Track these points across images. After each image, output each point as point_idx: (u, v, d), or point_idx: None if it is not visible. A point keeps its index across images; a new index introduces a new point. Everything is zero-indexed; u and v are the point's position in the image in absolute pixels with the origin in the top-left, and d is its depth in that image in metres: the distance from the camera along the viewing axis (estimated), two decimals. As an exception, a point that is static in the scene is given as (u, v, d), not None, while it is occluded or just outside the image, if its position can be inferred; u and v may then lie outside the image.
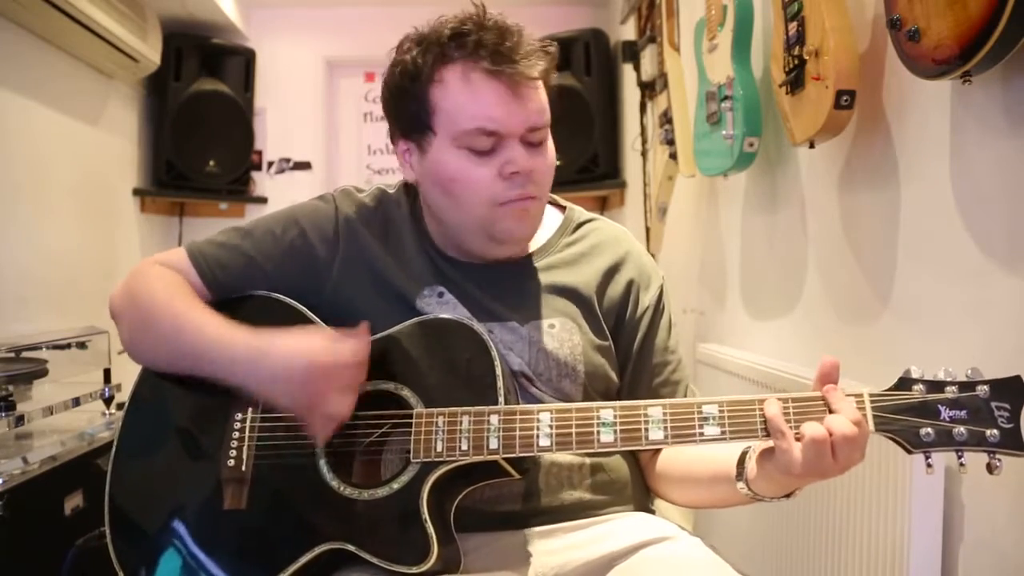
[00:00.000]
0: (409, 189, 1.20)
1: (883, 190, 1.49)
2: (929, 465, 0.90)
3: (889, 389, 0.91)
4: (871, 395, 0.91)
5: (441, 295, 1.12)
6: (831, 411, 0.91)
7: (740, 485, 0.99)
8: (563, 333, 1.12)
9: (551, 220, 1.22)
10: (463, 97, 1.04)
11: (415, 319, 1.08)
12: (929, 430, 0.88)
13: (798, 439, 0.89)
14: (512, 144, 1.05)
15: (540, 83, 1.06)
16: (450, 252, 1.16)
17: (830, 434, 0.88)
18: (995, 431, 0.86)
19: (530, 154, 1.07)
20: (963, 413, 0.88)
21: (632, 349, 1.17)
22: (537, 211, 1.12)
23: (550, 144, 1.11)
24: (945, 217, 1.30)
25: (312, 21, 4.17)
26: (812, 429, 0.88)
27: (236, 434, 1.07)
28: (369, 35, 4.12)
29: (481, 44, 1.02)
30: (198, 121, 3.71)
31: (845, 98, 1.45)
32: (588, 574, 1.05)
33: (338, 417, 0.99)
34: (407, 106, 1.08)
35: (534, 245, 1.19)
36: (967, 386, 0.89)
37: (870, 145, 1.54)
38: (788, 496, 0.99)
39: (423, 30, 1.08)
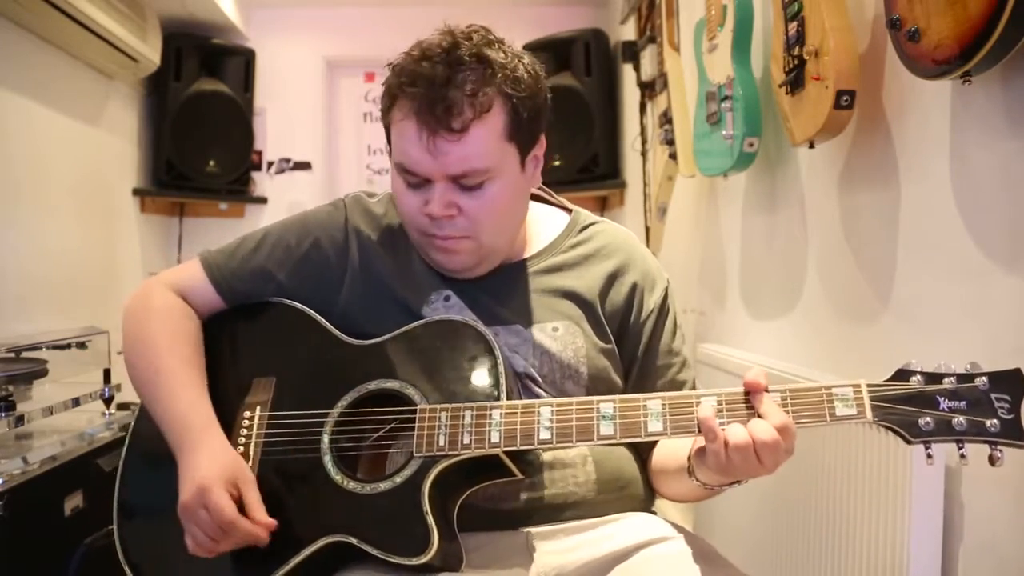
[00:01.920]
0: None
1: (883, 190, 1.49)
2: (929, 456, 0.90)
3: (887, 380, 0.92)
4: (869, 385, 0.92)
5: (448, 299, 1.14)
6: (757, 415, 0.91)
7: (693, 480, 1.01)
8: (566, 336, 1.13)
9: (557, 221, 1.23)
10: (396, 132, 1.07)
11: (420, 321, 1.10)
12: (928, 420, 0.88)
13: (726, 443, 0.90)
14: (436, 186, 1.06)
15: (469, 134, 1.03)
16: None
17: (753, 441, 0.89)
18: (995, 421, 0.86)
19: (462, 195, 1.06)
20: (962, 404, 0.88)
21: (638, 352, 1.18)
22: (468, 249, 1.10)
23: (493, 189, 1.07)
24: (945, 217, 1.30)
25: (312, 21, 4.17)
26: (735, 436, 0.89)
27: (244, 431, 1.09)
28: (369, 35, 4.13)
29: (416, 86, 1.03)
30: (198, 121, 3.71)
31: (845, 98, 1.45)
32: (589, 574, 1.06)
33: (190, 547, 1.00)
34: (386, 132, 1.13)
35: (538, 246, 1.20)
36: (966, 378, 0.89)
37: (870, 145, 1.54)
38: (738, 482, 1.00)
39: (407, 50, 1.09)
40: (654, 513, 1.17)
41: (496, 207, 1.08)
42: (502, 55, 1.06)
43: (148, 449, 1.13)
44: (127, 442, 1.15)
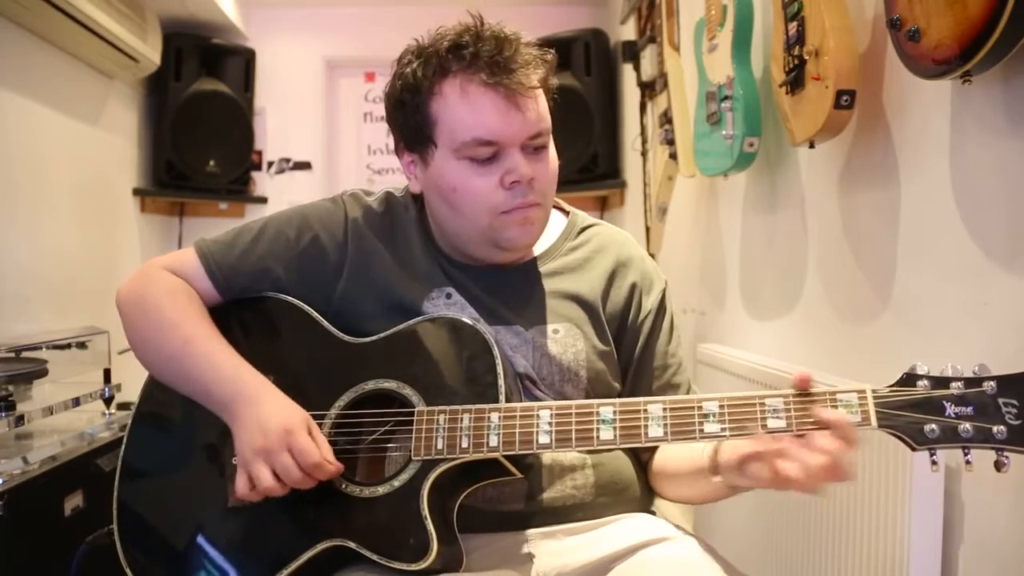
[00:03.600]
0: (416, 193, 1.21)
1: (883, 190, 1.49)
2: (934, 463, 0.89)
3: (893, 385, 0.90)
4: (874, 391, 0.90)
5: (449, 296, 1.13)
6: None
7: (716, 479, 1.00)
8: (567, 338, 1.12)
9: (555, 224, 1.22)
10: (462, 109, 1.05)
11: (418, 319, 1.09)
12: (934, 426, 0.87)
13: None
14: (512, 153, 1.06)
15: (539, 91, 1.07)
16: (456, 257, 1.16)
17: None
18: (1002, 427, 0.84)
19: (531, 161, 1.07)
20: (969, 409, 0.86)
21: (634, 354, 1.18)
22: (540, 217, 1.12)
23: (552, 150, 1.12)
24: (945, 217, 1.30)
25: (312, 21, 4.17)
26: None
27: None
28: (369, 35, 4.14)
29: (478, 56, 1.04)
30: (198, 121, 3.72)
31: (845, 98, 1.45)
32: (588, 574, 1.05)
33: (258, 488, 0.99)
34: (409, 119, 1.10)
35: (538, 249, 1.19)
36: (973, 382, 0.87)
37: (870, 145, 1.54)
38: None
39: (423, 42, 1.09)
40: (653, 513, 1.17)
41: (554, 171, 1.12)
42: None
43: (147, 446, 1.13)
44: (125, 439, 1.14)
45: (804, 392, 0.92)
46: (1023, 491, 1.14)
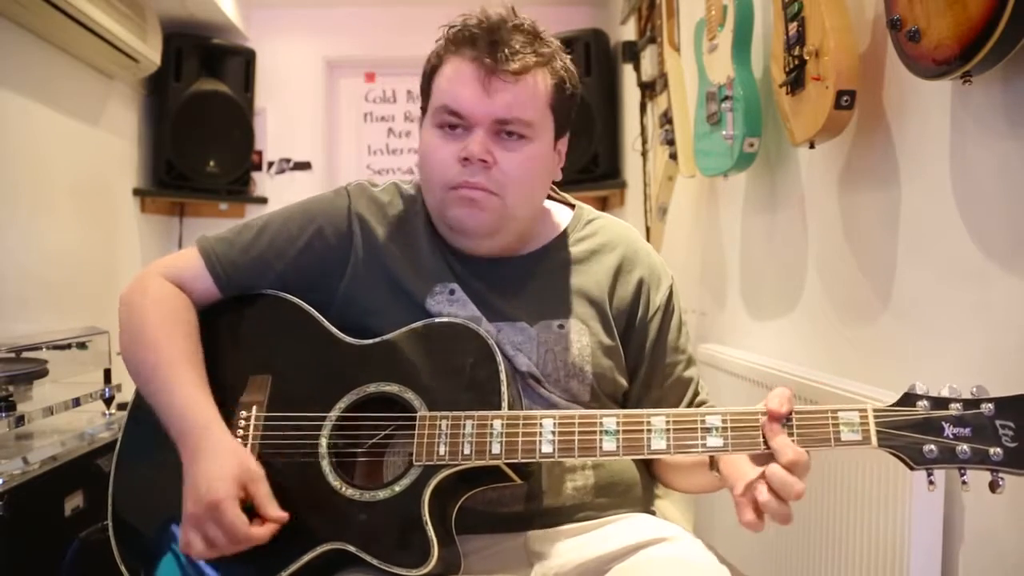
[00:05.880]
0: None
1: (883, 190, 1.49)
2: (931, 482, 0.89)
3: (893, 405, 0.90)
4: (875, 410, 0.90)
5: (452, 292, 1.12)
6: (767, 444, 0.91)
7: (714, 474, 1.02)
8: (572, 334, 1.12)
9: (560, 217, 1.22)
10: (445, 78, 1.10)
11: (421, 322, 1.08)
12: (932, 447, 0.87)
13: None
14: (477, 132, 1.07)
15: (523, 80, 1.07)
16: (461, 250, 1.15)
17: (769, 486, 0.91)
18: (999, 449, 0.85)
19: (497, 147, 1.07)
20: (967, 431, 0.87)
21: (644, 350, 1.17)
22: (491, 205, 1.08)
23: (532, 149, 1.09)
24: (945, 217, 1.30)
25: (312, 21, 4.17)
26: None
27: (240, 432, 1.07)
28: (369, 35, 4.14)
29: (473, 37, 1.08)
30: (198, 121, 3.71)
31: (845, 98, 1.45)
32: (587, 574, 1.05)
33: (192, 553, 0.98)
34: (423, 93, 1.16)
35: (544, 241, 1.19)
36: (972, 403, 0.88)
37: (870, 145, 1.54)
38: None
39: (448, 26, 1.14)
40: (653, 513, 1.17)
41: (528, 169, 1.10)
42: (551, 38, 1.13)
43: (142, 447, 1.13)
44: (120, 440, 1.14)
45: (805, 411, 0.92)
46: (1023, 492, 1.14)
